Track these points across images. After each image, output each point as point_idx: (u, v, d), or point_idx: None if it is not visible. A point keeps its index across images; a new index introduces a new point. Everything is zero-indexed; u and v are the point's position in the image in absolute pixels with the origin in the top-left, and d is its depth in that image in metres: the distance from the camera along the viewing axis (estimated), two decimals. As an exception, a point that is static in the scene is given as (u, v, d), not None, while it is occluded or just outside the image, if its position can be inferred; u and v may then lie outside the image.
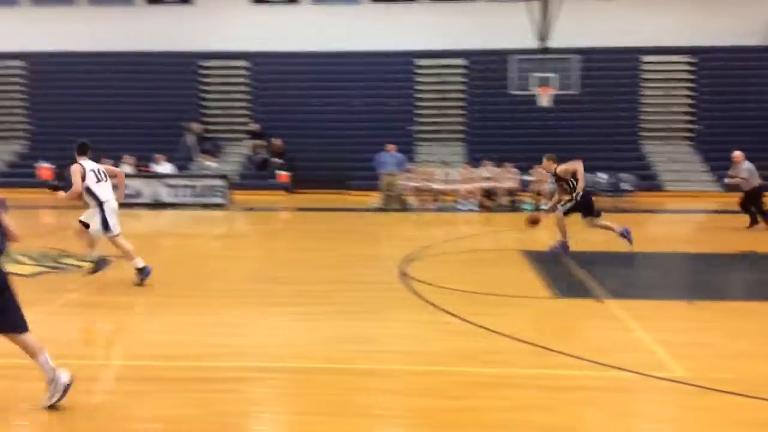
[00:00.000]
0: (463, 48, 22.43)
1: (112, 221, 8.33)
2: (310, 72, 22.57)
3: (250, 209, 16.96)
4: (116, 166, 18.80)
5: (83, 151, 8.72)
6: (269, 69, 22.76)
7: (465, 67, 23.01)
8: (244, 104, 22.94)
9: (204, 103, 22.86)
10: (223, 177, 18.10)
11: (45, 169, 20.19)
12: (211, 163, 20.28)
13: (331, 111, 22.13)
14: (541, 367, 5.30)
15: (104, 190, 8.44)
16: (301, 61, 22.63)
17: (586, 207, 9.88)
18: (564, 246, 9.95)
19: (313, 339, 6.06)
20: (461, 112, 22.90)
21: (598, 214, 10.00)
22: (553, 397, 4.70)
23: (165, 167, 18.83)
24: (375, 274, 9.21)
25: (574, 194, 9.75)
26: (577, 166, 9.76)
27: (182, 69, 22.67)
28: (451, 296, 7.53)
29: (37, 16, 22.81)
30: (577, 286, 8.24)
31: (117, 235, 8.40)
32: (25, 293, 7.86)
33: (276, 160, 20.79)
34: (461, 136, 22.53)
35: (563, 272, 9.09)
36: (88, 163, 8.58)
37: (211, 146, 21.19)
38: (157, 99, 22.14)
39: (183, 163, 19.77)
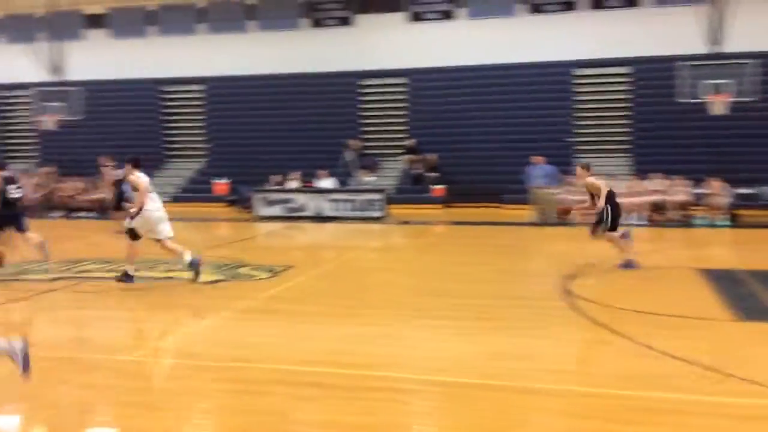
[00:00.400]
0: (627, 56, 21.49)
1: (162, 228, 9.25)
2: (465, 86, 22.62)
3: (406, 222, 17.25)
4: (283, 182, 19.97)
5: (137, 164, 9.44)
6: (425, 85, 23.10)
7: (629, 75, 22.03)
8: (400, 120, 23.45)
9: (362, 121, 23.65)
10: (380, 191, 18.58)
11: (220, 185, 21.79)
12: (369, 178, 20.91)
13: (487, 124, 22.03)
14: (724, 395, 4.91)
15: (152, 200, 9.28)
16: (456, 76, 22.76)
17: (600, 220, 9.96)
18: (629, 263, 9.87)
19: (472, 354, 6.03)
20: (625, 122, 21.91)
21: (613, 228, 9.94)
22: (740, 427, 4.34)
23: (327, 182, 19.66)
24: (535, 290, 9.01)
25: (600, 211, 9.85)
26: (601, 186, 9.96)
27: (343, 88, 23.60)
28: (618, 315, 7.19)
29: (215, 44, 24.74)
30: (763, 309, 7.57)
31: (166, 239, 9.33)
32: (203, 300, 8.56)
33: (431, 174, 21.02)
34: (625, 147, 21.56)
35: (745, 292, 8.40)
36: (142, 176, 9.33)
37: (369, 162, 21.85)
38: (320, 118, 23.19)
39: (343, 179, 20.54)
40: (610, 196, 9.97)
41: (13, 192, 10.10)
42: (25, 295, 8.88)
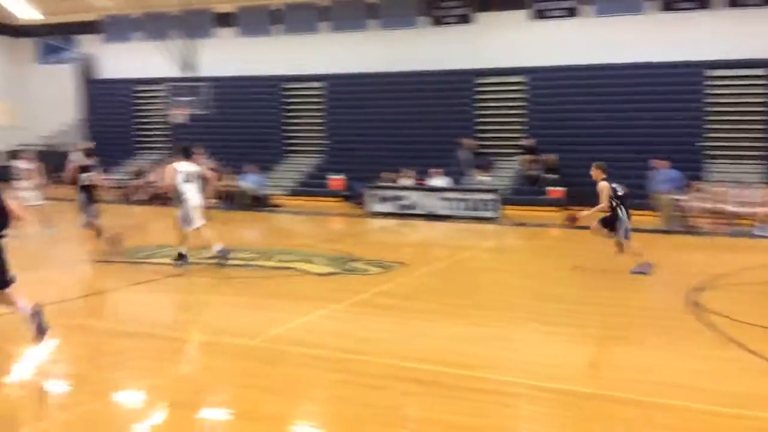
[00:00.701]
0: (765, 57, 20.01)
1: (194, 216, 9.86)
2: (588, 85, 21.87)
3: (521, 224, 16.88)
4: (396, 179, 20.10)
5: (187, 154, 10.29)
6: (546, 84, 22.52)
7: (766, 78, 20.52)
8: (518, 119, 23.01)
9: (478, 119, 23.39)
10: (494, 191, 18.30)
11: (335, 180, 22.23)
12: (483, 178, 20.64)
13: (610, 125, 21.18)
14: None
15: (190, 190, 9.86)
16: (579, 75, 22.04)
17: (611, 223, 9.92)
18: (645, 266, 9.74)
19: (585, 362, 5.81)
20: (761, 127, 20.42)
21: (626, 235, 9.90)
22: None
23: (440, 181, 19.59)
24: (659, 300, 8.56)
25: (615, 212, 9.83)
26: (603, 188, 9.83)
27: (459, 86, 23.44)
28: (753, 332, 6.68)
29: (335, 42, 25.29)
30: None
31: (198, 228, 9.96)
32: (317, 291, 8.73)
33: (549, 175, 20.47)
34: (761, 154, 20.09)
35: None
36: (181, 165, 9.99)
37: (483, 161, 21.57)
38: (435, 116, 23.16)
39: (457, 177, 20.40)
40: (621, 201, 9.89)
41: (85, 180, 11.62)
42: (152, 277, 9.40)
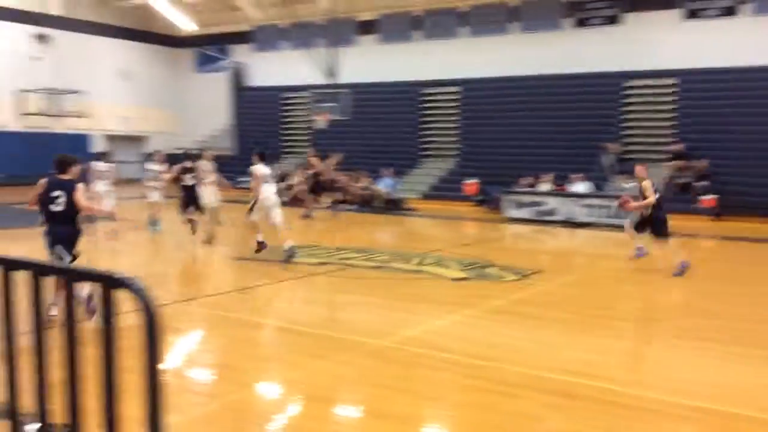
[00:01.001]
0: None
1: (272, 213, 10.79)
2: (742, 88, 20.25)
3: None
4: (534, 184, 19.64)
5: (262, 157, 11.01)
6: (698, 86, 21.13)
7: None
8: (666, 123, 21.76)
9: (624, 123, 22.36)
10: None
11: (471, 184, 22.08)
12: (628, 185, 19.67)
13: (766, 131, 19.56)
14: None
15: (268, 190, 10.82)
16: (735, 77, 20.49)
17: (652, 225, 10.28)
18: (684, 265, 9.97)
19: (735, 381, 5.35)
20: None
21: (665, 235, 10.22)
22: None
23: (581, 186, 18.92)
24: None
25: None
26: (647, 186, 10.17)
27: (605, 89, 22.53)
28: None
29: (473, 46, 25.19)
30: None
31: (275, 224, 10.78)
32: (451, 295, 8.69)
33: (700, 183, 19.19)
34: None
35: None
36: (260, 168, 10.82)
37: (628, 167, 20.56)
38: (577, 120, 22.40)
39: (599, 183, 19.62)
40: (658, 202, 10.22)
41: (188, 180, 13.09)
42: (293, 275, 9.78)
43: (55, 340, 1.95)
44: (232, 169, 28.21)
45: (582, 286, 9.80)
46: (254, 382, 5.36)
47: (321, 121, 24.72)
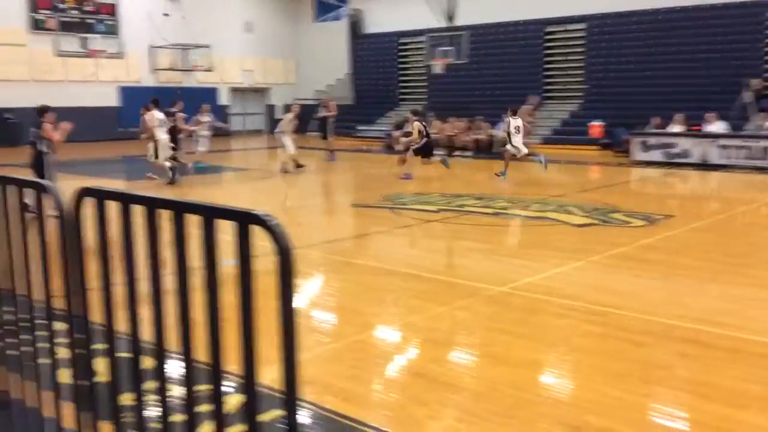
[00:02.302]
0: None
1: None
2: None
3: (817, 177, 14.62)
4: (664, 125, 18.52)
5: (156, 104, 14.03)
6: None
7: None
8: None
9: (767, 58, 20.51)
10: (784, 139, 16.01)
11: (596, 127, 21.14)
12: (770, 123, 18.14)
13: None
14: None
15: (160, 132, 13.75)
16: None
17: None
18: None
19: None
20: None
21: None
22: None
23: (717, 126, 17.65)
24: None
25: None
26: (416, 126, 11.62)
27: (745, 20, 20.70)
28: None
29: (600, -20, 23.83)
30: None
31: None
32: (573, 241, 8.45)
33: None
34: None
35: None
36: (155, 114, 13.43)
37: (772, 104, 18.94)
38: (713, 54, 20.77)
39: (737, 123, 18.20)
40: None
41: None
42: (410, 222, 9.85)
43: (187, 281, 2.05)
44: (352, 118, 28.64)
45: (715, 231, 9.23)
46: (375, 324, 5.49)
47: (438, 65, 24.37)
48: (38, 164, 9.48)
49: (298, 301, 5.86)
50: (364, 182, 15.87)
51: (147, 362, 2.26)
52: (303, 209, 11.78)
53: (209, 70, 28.12)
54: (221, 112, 26.15)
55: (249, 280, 1.76)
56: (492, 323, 5.41)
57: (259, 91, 32.26)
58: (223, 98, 30.26)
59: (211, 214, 1.85)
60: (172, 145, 14.45)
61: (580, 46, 24.36)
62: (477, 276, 6.78)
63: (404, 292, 6.36)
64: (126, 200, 2.12)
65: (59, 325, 2.70)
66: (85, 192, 2.26)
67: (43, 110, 9.83)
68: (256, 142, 26.90)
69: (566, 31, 24.84)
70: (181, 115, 15.79)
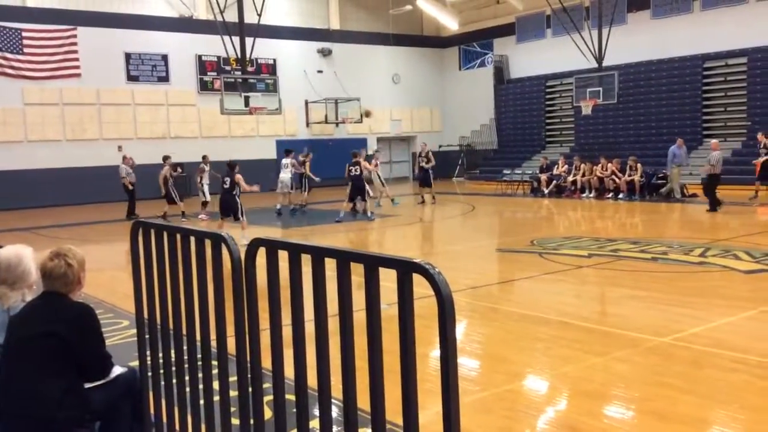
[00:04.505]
0: None
1: None
2: None
3: None
4: None
5: None
6: None
7: None
8: None
9: None
10: None
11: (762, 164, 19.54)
12: None
13: None
14: None
15: None
16: None
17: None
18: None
19: None
20: None
21: None
22: None
23: None
24: None
25: None
26: None
27: None
28: None
29: (760, 12, 22.31)
30: None
31: None
32: (742, 290, 7.83)
33: None
34: None
35: None
36: None
37: None
38: None
39: None
40: None
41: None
42: (560, 268, 9.58)
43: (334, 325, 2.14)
44: (496, 162, 28.56)
45: None
46: (525, 373, 5.37)
47: (587, 106, 23.82)
48: (233, 206, 12.55)
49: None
50: (509, 226, 15.70)
51: (302, 404, 2.36)
52: (447, 254, 11.82)
53: (360, 122, 29.28)
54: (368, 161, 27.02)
55: (411, 327, 1.82)
56: (653, 377, 5.11)
57: (405, 140, 33.10)
58: (372, 148, 31.34)
59: (374, 262, 1.94)
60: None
61: (742, 81, 22.88)
62: (635, 326, 6.45)
63: (555, 340, 6.17)
64: (294, 249, 2.28)
65: (217, 366, 2.90)
66: (258, 242, 2.45)
67: (233, 164, 12.75)
68: (401, 189, 27.50)
69: (726, 65, 23.46)
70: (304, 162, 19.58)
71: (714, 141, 15.95)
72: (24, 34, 23.44)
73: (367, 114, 17.75)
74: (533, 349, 6.03)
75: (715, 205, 15.19)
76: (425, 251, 12.17)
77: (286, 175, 18.75)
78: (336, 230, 14.92)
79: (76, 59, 24.39)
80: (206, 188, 18.26)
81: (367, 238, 14.25)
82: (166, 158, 18.10)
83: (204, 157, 19.01)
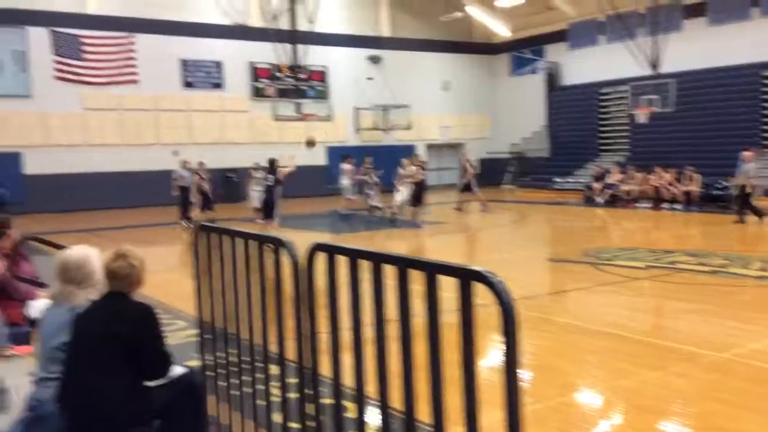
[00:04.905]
0: None
1: None
2: None
3: None
4: None
5: None
6: None
7: None
8: None
9: None
10: None
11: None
12: None
13: None
14: None
15: None
16: None
17: None
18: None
19: None
20: None
21: None
22: None
23: None
24: None
25: None
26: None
27: None
28: None
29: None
30: None
31: None
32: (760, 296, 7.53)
33: None
34: None
35: None
36: None
37: None
38: None
39: None
40: None
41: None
42: (615, 279, 9.38)
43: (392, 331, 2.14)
44: (548, 170, 28.20)
45: None
46: (579, 386, 5.27)
47: (642, 115, 23.34)
48: (270, 204, 13.16)
49: (497, 358, 5.82)
50: (562, 236, 15.47)
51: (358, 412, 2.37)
52: (498, 263, 11.70)
53: (407, 128, 29.29)
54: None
55: (471, 334, 1.81)
56: (712, 392, 4.96)
57: (454, 146, 32.99)
58: (420, 154, 31.32)
59: (434, 270, 1.93)
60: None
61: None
62: (693, 340, 6.27)
63: (610, 353, 6.04)
64: (354, 255, 2.29)
65: (275, 369, 2.93)
66: (318, 247, 2.47)
67: (273, 162, 13.75)
68: (450, 196, 27.38)
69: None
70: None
71: (747, 153, 15.30)
72: (84, 40, 24.22)
73: (311, 143, 17.47)
74: (587, 361, 5.92)
75: (761, 213, 14.77)
76: (475, 260, 12.07)
77: (345, 181, 18.96)
78: (379, 237, 14.93)
79: (134, 65, 25.09)
80: (256, 194, 18.53)
81: (414, 245, 14.23)
82: (200, 164, 18.60)
83: (256, 164, 19.35)
